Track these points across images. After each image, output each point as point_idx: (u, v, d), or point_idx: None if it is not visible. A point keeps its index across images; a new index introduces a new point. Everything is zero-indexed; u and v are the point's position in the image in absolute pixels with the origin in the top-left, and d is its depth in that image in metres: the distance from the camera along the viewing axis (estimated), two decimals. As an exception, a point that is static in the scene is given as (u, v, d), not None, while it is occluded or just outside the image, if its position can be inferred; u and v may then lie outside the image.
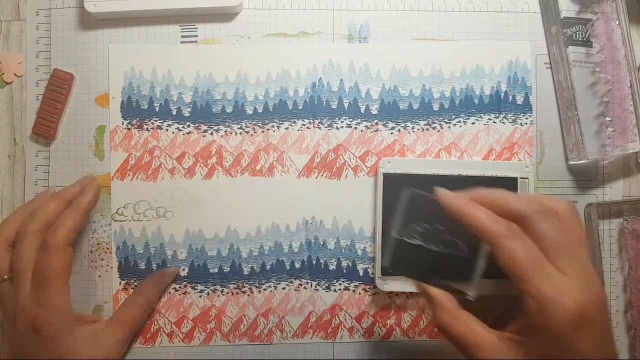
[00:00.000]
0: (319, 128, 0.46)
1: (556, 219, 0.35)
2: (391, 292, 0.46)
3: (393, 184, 0.45)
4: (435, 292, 0.37)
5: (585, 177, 0.47)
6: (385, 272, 0.44)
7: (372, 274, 0.46)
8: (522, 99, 0.47)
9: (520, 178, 0.45)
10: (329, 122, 0.46)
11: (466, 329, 0.35)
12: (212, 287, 0.46)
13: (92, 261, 0.46)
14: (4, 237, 0.41)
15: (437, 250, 0.39)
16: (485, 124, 0.47)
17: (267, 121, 0.46)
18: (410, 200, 0.39)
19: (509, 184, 0.45)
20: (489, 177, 0.45)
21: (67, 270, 0.40)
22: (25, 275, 0.39)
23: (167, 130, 0.46)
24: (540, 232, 0.34)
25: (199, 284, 0.46)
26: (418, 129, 0.47)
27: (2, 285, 0.41)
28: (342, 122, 0.47)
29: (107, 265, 0.46)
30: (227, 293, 0.46)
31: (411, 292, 0.46)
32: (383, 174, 0.45)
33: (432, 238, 0.39)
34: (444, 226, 0.38)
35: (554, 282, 0.32)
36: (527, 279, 0.33)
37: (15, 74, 0.47)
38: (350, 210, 0.46)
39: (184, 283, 0.46)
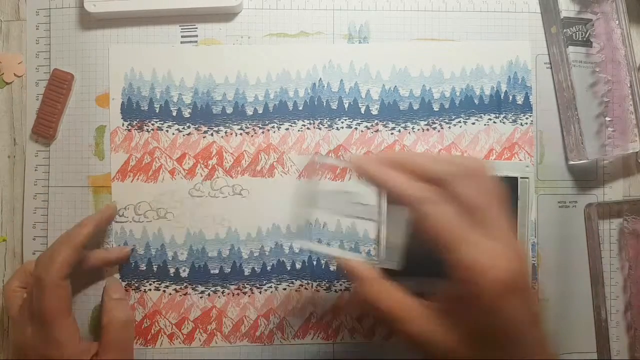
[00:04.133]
0: (319, 129, 0.46)
1: (475, 180, 0.33)
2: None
3: None
4: (355, 263, 0.36)
5: (585, 177, 0.48)
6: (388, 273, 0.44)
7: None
8: (522, 99, 0.47)
9: (521, 178, 0.45)
10: (329, 123, 0.46)
11: (392, 301, 0.34)
12: (212, 288, 0.46)
13: (93, 262, 0.46)
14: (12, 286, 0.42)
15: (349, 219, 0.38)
16: (485, 124, 0.47)
17: (267, 122, 0.46)
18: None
19: (510, 184, 0.45)
20: None
21: (67, 305, 0.40)
22: (28, 313, 0.39)
23: (167, 131, 0.46)
24: (462, 195, 0.32)
25: (199, 285, 0.46)
26: (418, 130, 0.47)
27: (16, 323, 0.41)
28: (342, 122, 0.47)
29: (108, 266, 0.46)
30: (228, 294, 0.46)
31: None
32: None
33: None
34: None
35: (480, 250, 0.31)
36: (454, 247, 0.31)
37: (15, 74, 0.47)
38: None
39: (185, 284, 0.46)
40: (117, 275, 0.46)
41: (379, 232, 0.36)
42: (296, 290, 0.46)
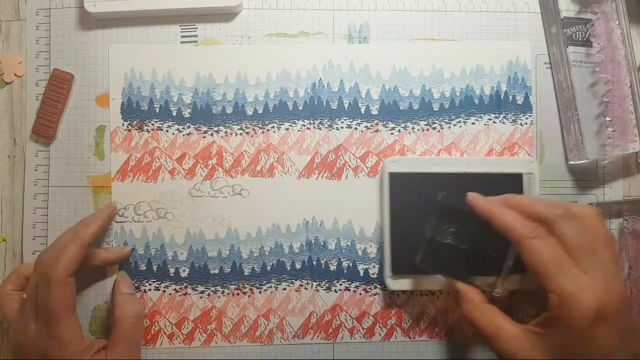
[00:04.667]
0: (319, 129, 0.46)
1: (580, 223, 0.36)
2: (392, 293, 0.46)
3: (399, 183, 0.45)
4: (462, 286, 0.41)
5: (585, 177, 0.48)
6: (397, 271, 0.45)
7: (373, 274, 0.46)
8: (522, 99, 0.47)
9: (526, 174, 0.45)
10: (329, 123, 0.46)
11: (489, 321, 0.38)
12: (212, 288, 0.46)
13: (93, 262, 0.46)
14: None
15: (466, 248, 0.41)
16: (485, 124, 0.47)
17: (267, 122, 0.46)
18: (442, 204, 0.42)
19: (515, 180, 0.45)
20: (495, 174, 0.45)
21: (72, 302, 0.40)
22: (33, 305, 0.39)
23: (167, 131, 0.46)
24: (564, 235, 0.36)
25: (199, 285, 0.46)
26: (418, 130, 0.47)
27: (15, 324, 0.41)
28: (342, 122, 0.47)
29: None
30: (228, 294, 0.46)
31: (420, 291, 0.46)
32: (389, 173, 0.45)
33: (462, 237, 0.42)
34: (474, 227, 0.41)
35: (575, 280, 0.35)
36: (550, 276, 0.35)
37: (15, 74, 0.47)
38: (350, 211, 0.46)
39: (185, 284, 0.46)
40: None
41: (502, 267, 0.41)
42: (296, 291, 0.46)
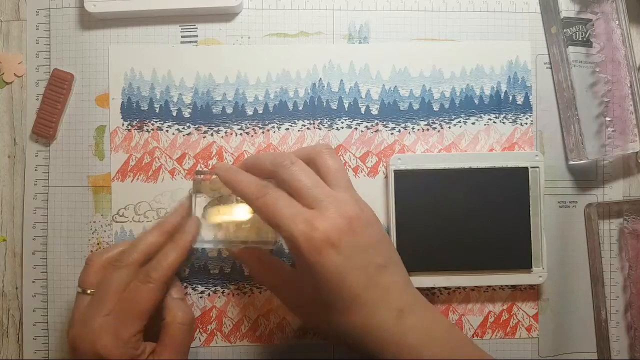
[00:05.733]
0: (319, 129, 0.46)
1: (302, 164, 0.38)
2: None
3: (404, 180, 0.45)
4: (238, 251, 0.43)
5: (585, 177, 0.48)
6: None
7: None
8: (522, 99, 0.47)
9: (531, 167, 0.45)
10: (329, 123, 0.46)
11: (266, 274, 0.42)
12: (212, 288, 0.46)
13: (93, 262, 0.46)
14: (105, 257, 0.41)
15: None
16: (485, 124, 0.47)
17: (267, 122, 0.46)
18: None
19: (520, 173, 0.45)
20: (500, 169, 0.45)
21: (155, 309, 0.40)
22: (110, 300, 0.39)
23: (167, 131, 0.46)
24: (287, 181, 0.38)
25: (199, 285, 0.46)
26: (418, 130, 0.47)
27: (83, 297, 0.40)
28: (342, 122, 0.47)
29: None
30: (228, 294, 0.46)
31: (420, 289, 0.46)
32: (394, 170, 0.45)
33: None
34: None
35: (299, 220, 0.36)
36: (280, 225, 0.36)
37: (15, 74, 0.47)
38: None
39: (185, 284, 0.46)
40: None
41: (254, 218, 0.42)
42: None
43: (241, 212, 0.43)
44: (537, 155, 0.45)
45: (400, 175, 0.45)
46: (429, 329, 0.37)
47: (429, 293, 0.46)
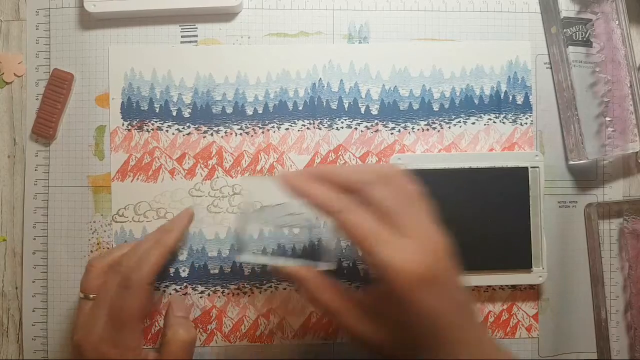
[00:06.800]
0: (319, 129, 0.46)
1: (389, 184, 0.35)
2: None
3: None
4: (293, 268, 0.38)
5: (585, 177, 0.48)
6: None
7: (372, 273, 0.46)
8: (522, 99, 0.47)
9: (531, 167, 0.45)
10: (329, 123, 0.46)
11: (330, 296, 0.37)
12: (212, 288, 0.46)
13: (93, 262, 0.46)
14: (106, 261, 0.41)
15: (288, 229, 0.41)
16: (485, 124, 0.47)
17: (267, 122, 0.46)
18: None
19: (520, 173, 0.45)
20: (500, 168, 0.45)
21: (146, 310, 0.40)
22: (105, 307, 0.39)
23: (167, 131, 0.46)
24: (374, 201, 0.34)
25: (199, 285, 0.46)
26: (418, 130, 0.47)
27: (86, 302, 0.40)
28: (342, 122, 0.47)
29: (108, 265, 0.46)
30: (228, 294, 0.46)
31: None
32: None
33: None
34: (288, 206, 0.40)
35: (391, 247, 0.33)
36: (367, 248, 0.33)
37: (15, 74, 0.47)
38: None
39: (185, 284, 0.46)
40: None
41: (315, 237, 0.40)
42: (296, 290, 0.46)
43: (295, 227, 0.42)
44: (537, 155, 0.45)
45: None
46: None
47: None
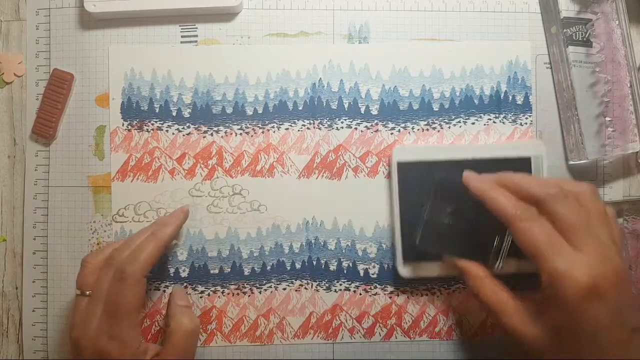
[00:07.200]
0: (319, 129, 0.46)
1: (574, 201, 0.37)
2: (392, 293, 0.46)
3: (408, 172, 0.45)
4: (464, 263, 0.41)
5: (585, 177, 0.48)
6: (408, 258, 0.45)
7: (374, 274, 0.46)
8: (522, 99, 0.47)
9: (534, 157, 0.45)
10: (329, 123, 0.46)
11: (494, 296, 0.39)
12: (212, 288, 0.46)
13: (93, 262, 0.46)
14: (100, 257, 0.41)
15: (465, 227, 0.42)
16: (485, 124, 0.47)
17: (267, 122, 0.46)
18: (438, 185, 0.43)
19: (523, 163, 0.45)
20: (503, 159, 0.45)
21: (142, 303, 0.40)
22: (101, 301, 0.39)
23: (167, 131, 0.46)
24: (557, 214, 0.36)
25: (199, 285, 0.46)
26: (418, 130, 0.47)
27: (82, 299, 0.40)
28: (342, 122, 0.47)
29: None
30: (228, 294, 0.46)
31: (419, 291, 0.46)
32: (397, 162, 0.45)
33: (461, 217, 0.42)
34: (472, 206, 0.41)
35: (566, 258, 0.35)
36: (542, 256, 0.35)
37: (15, 74, 0.47)
38: (350, 211, 0.46)
39: (185, 284, 0.46)
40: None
41: (499, 244, 0.42)
42: (296, 290, 0.46)
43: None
44: (540, 145, 0.46)
45: (403, 166, 0.45)
46: None
47: (429, 292, 0.46)
